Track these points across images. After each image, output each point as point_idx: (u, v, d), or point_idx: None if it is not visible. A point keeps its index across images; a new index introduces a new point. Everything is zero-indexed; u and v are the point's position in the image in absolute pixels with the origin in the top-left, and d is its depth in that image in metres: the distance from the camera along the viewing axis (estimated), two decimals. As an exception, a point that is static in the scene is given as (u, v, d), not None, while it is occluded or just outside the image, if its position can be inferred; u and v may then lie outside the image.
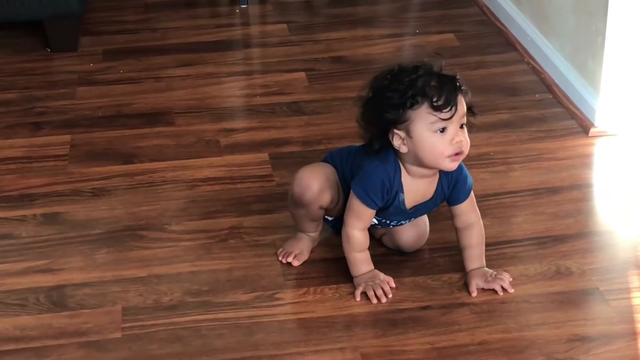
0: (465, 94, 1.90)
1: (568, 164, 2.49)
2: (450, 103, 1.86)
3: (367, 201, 1.96)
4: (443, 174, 1.99)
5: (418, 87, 1.87)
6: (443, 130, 1.88)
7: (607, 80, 2.58)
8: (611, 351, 1.87)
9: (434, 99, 1.86)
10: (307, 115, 2.76)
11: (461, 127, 1.89)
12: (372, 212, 1.99)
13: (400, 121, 1.89)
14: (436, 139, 1.88)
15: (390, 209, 2.00)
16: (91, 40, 3.24)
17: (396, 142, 1.92)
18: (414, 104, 1.88)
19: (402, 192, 1.98)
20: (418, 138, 1.89)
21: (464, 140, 1.89)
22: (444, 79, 1.88)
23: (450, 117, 1.86)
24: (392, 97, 1.89)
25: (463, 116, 1.89)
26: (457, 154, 1.90)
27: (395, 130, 1.91)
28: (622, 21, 2.51)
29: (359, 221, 2.00)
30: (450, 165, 1.91)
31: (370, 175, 1.96)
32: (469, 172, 2.03)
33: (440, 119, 1.86)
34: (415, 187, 1.98)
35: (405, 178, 1.96)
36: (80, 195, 2.39)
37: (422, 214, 2.09)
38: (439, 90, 1.86)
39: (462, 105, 1.88)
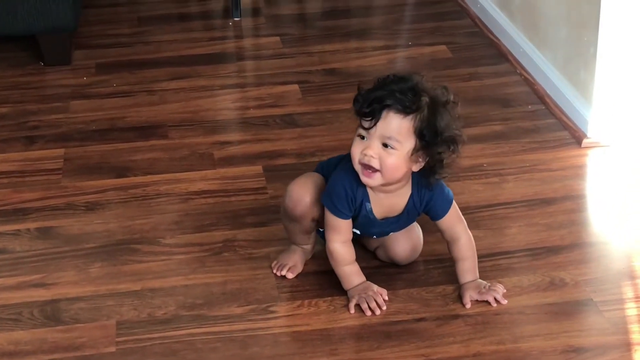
0: (415, 119, 1.86)
1: (561, 175, 2.50)
2: (371, 115, 1.86)
3: (336, 212, 1.97)
4: (415, 190, 1.98)
5: (372, 91, 1.88)
6: (363, 137, 1.89)
7: (600, 91, 2.59)
8: (605, 362, 1.87)
9: (363, 104, 1.87)
10: (301, 127, 2.76)
11: (385, 145, 1.87)
12: (347, 222, 1.99)
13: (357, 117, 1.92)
14: (356, 141, 1.91)
15: (359, 218, 2.00)
16: (84, 54, 3.24)
17: None
18: (354, 102, 1.90)
19: (369, 202, 1.98)
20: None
21: (375, 157, 1.87)
22: (397, 95, 1.85)
23: (368, 128, 1.87)
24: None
25: (389, 137, 1.86)
26: (366, 168, 1.89)
27: None
28: (613, 32, 2.52)
29: (338, 234, 2.00)
30: (363, 178, 1.91)
31: (334, 184, 1.97)
32: (457, 184, 2.02)
33: (361, 125, 1.89)
34: (380, 199, 1.99)
35: (370, 189, 1.97)
36: (74, 209, 2.38)
37: (396, 228, 2.08)
38: (374, 100, 1.86)
39: (389, 124, 1.86)
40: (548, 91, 2.84)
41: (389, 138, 1.87)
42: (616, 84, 2.58)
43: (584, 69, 2.64)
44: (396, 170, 1.90)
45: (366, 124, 1.88)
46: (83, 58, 3.22)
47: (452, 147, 1.91)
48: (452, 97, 1.92)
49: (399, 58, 3.22)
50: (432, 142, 1.88)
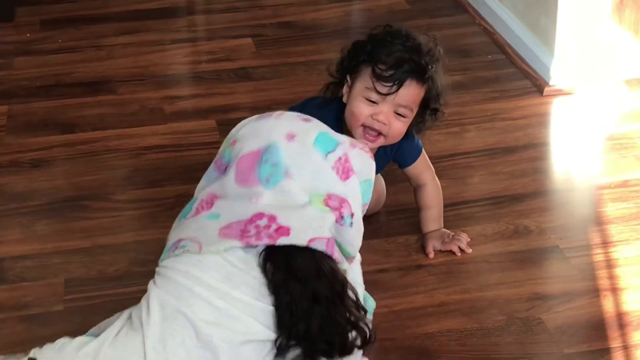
0: (427, 87, 1.80)
1: (523, 124, 2.44)
2: (393, 80, 1.76)
3: None
4: None
5: (387, 49, 1.78)
6: (373, 101, 1.79)
7: (561, 38, 2.53)
8: (572, 309, 1.82)
9: (380, 66, 1.77)
10: (255, 81, 2.67)
11: (397, 113, 1.80)
12: None
13: (354, 70, 1.82)
14: (362, 102, 1.80)
15: None
16: (28, 10, 3.11)
17: (344, 89, 1.85)
18: (366, 59, 1.80)
19: None
20: (353, 94, 1.82)
21: (388, 124, 1.79)
22: (416, 60, 1.77)
23: (385, 94, 1.77)
24: (365, 44, 1.81)
25: (404, 106, 1.79)
26: (373, 130, 1.81)
27: (348, 77, 1.84)
28: (574, -24, 2.47)
29: None
30: (364, 140, 1.81)
31: None
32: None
33: (375, 88, 1.78)
34: None
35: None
36: (18, 167, 2.28)
37: None
38: (395, 63, 1.76)
39: (408, 93, 1.78)
40: (508, 40, 2.77)
41: (405, 107, 1.79)
42: (578, 29, 2.52)
43: (545, 16, 2.58)
44: (400, 135, 1.84)
45: (384, 90, 1.77)
46: (27, 14, 3.09)
47: (441, 105, 1.86)
48: (441, 50, 1.85)
49: (355, 10, 3.14)
50: (434, 107, 1.84)
